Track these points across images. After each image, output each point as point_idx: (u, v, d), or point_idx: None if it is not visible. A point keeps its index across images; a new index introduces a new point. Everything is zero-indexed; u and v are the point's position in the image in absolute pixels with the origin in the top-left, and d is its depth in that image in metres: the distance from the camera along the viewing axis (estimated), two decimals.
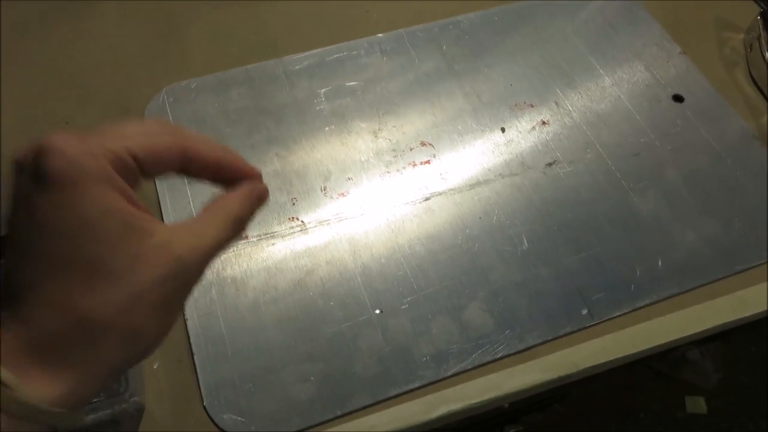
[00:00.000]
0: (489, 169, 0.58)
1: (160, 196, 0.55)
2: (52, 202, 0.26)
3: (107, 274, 0.26)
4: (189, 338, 0.48)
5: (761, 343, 1.41)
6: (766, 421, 1.32)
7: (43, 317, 0.26)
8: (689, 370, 1.35)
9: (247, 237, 0.53)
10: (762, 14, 0.67)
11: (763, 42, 0.65)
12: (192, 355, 0.48)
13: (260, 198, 0.33)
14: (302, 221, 0.54)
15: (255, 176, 0.34)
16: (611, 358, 0.49)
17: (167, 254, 0.28)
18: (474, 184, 0.57)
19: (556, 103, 0.63)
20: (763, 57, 0.65)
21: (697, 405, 1.34)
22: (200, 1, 0.70)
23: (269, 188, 0.36)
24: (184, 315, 0.49)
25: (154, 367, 0.47)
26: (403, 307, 0.50)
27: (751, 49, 0.67)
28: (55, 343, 0.26)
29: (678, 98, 0.64)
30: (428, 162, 0.58)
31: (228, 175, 0.33)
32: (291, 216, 0.54)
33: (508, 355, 0.49)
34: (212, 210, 0.31)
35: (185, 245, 0.29)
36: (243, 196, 0.32)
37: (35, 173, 0.26)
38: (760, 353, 1.40)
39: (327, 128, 0.60)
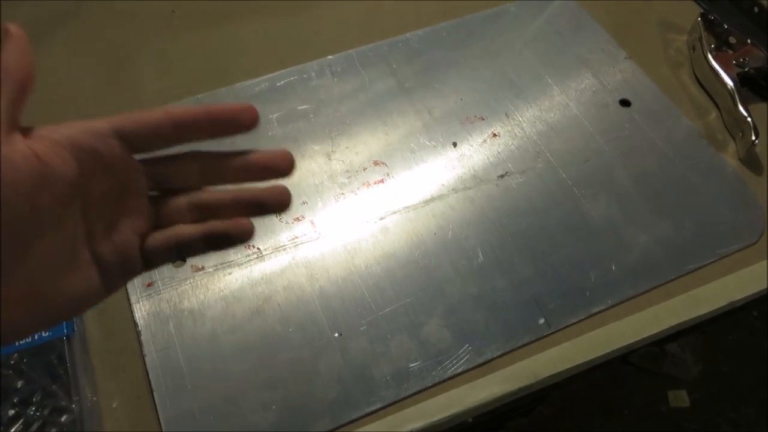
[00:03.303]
0: (442, 185, 0.59)
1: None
2: None
3: None
4: (148, 374, 0.48)
5: (738, 333, 1.43)
6: (747, 409, 1.34)
7: None
8: (669, 364, 1.37)
9: (203, 268, 0.53)
10: (702, 15, 0.68)
11: (705, 43, 0.67)
12: (151, 390, 0.47)
13: None
14: (258, 248, 0.54)
15: (248, 107, 0.33)
16: (569, 366, 0.50)
17: None
18: (428, 201, 0.58)
19: (506, 115, 0.64)
20: (705, 57, 0.66)
21: (680, 398, 1.35)
22: (149, 33, 0.70)
23: None
24: (142, 351, 0.49)
25: (113, 405, 0.47)
26: (361, 328, 0.51)
27: (694, 50, 0.69)
28: None
29: (625, 102, 0.65)
30: (382, 181, 0.59)
31: (224, 116, 0.33)
32: (247, 244, 0.54)
33: (468, 370, 0.49)
34: None
35: None
36: None
37: None
38: (738, 342, 1.42)
39: None
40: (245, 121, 0.33)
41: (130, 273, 0.33)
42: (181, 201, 0.34)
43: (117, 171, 0.31)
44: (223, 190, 0.35)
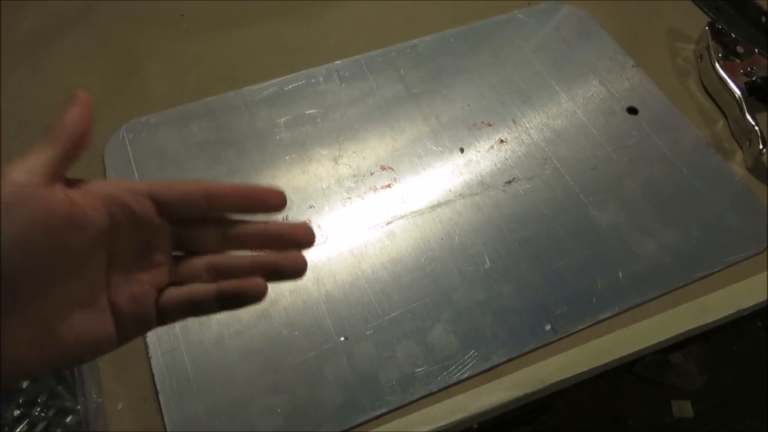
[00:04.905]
0: (449, 190, 0.59)
1: None
2: None
3: None
4: (153, 376, 0.48)
5: (742, 343, 1.42)
6: (752, 420, 1.33)
7: None
8: (673, 374, 1.36)
9: None
10: (710, 24, 0.68)
11: (712, 52, 0.67)
12: (157, 393, 0.47)
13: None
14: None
15: (276, 191, 0.35)
16: (576, 372, 0.50)
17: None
18: (435, 206, 0.58)
19: (514, 121, 0.64)
20: (713, 66, 0.66)
21: (684, 409, 1.35)
22: (158, 36, 0.70)
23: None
24: (147, 353, 0.49)
25: (119, 407, 0.47)
26: (368, 332, 0.51)
27: (701, 59, 0.69)
28: None
29: (632, 110, 0.65)
30: (389, 186, 0.59)
31: (251, 193, 0.35)
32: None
33: (474, 375, 0.49)
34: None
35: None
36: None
37: None
38: (742, 353, 1.41)
39: (287, 157, 0.60)
40: (272, 203, 0.35)
41: (144, 325, 0.35)
42: (201, 262, 0.36)
43: (145, 228, 0.34)
44: (243, 255, 0.36)
